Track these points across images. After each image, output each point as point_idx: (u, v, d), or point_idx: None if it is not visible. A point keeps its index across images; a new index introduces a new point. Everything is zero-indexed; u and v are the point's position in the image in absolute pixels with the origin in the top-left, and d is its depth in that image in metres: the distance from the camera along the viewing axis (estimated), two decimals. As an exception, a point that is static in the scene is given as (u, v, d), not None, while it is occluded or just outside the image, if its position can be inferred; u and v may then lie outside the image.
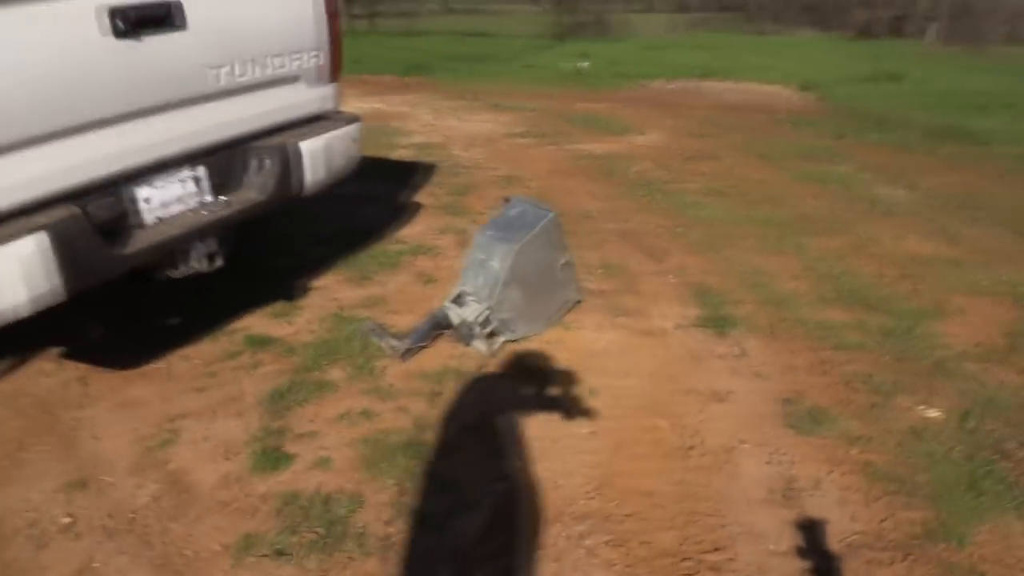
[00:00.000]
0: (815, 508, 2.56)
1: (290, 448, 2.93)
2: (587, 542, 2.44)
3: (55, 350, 3.64)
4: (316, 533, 2.50)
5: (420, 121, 8.19)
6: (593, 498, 2.63)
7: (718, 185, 5.76)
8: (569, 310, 3.79)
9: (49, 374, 3.47)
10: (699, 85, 10.02)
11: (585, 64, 11.40)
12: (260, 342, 3.67)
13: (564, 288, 3.68)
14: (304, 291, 4.16)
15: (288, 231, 5.01)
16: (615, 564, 2.35)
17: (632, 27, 15.21)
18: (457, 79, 10.78)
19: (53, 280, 2.62)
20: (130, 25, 2.77)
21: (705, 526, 2.50)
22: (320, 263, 4.46)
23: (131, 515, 2.61)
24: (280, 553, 2.42)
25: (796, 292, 4.05)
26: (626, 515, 2.56)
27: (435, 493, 2.68)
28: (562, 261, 3.59)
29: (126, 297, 4.14)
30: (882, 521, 2.51)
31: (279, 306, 4.00)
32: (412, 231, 4.98)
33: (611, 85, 10.13)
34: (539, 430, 2.99)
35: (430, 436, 2.97)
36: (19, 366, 3.54)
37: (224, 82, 3.21)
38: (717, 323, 3.71)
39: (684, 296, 3.99)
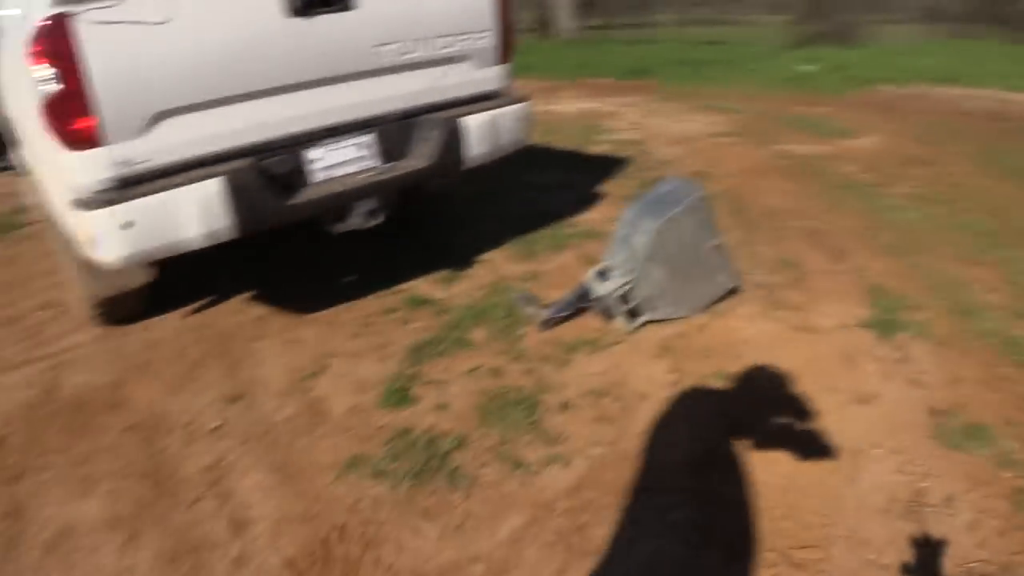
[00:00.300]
0: (939, 527, 2.29)
1: (417, 391, 3.12)
2: (673, 515, 2.37)
3: (245, 294, 4.12)
4: (415, 463, 2.65)
5: (628, 120, 8.21)
6: (692, 474, 2.55)
7: (926, 191, 5.25)
8: (722, 298, 3.65)
9: (235, 312, 3.96)
10: (933, 91, 9.14)
11: (811, 68, 10.79)
12: (418, 302, 3.91)
13: (715, 273, 3.56)
14: (471, 263, 4.35)
15: (472, 212, 5.26)
16: (692, 540, 2.27)
17: (878, 36, 14.15)
18: (677, 83, 10.65)
19: (225, 219, 3.02)
20: (304, 5, 3.11)
21: (803, 522, 2.33)
22: (494, 240, 4.64)
23: (267, 427, 2.95)
24: (378, 474, 2.61)
25: (989, 304, 3.62)
26: (721, 496, 2.45)
27: (536, 447, 2.73)
28: (712, 243, 3.47)
29: (310, 255, 4.62)
30: (1015, 554, 2.20)
31: (445, 274, 4.22)
32: (588, 217, 5.02)
33: (836, 90, 9.52)
34: (655, 405, 2.94)
35: (548, 398, 3.02)
36: (212, 304, 4.07)
37: (392, 59, 3.47)
38: (884, 326, 3.40)
39: (856, 297, 3.70)
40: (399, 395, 3.08)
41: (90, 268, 3.35)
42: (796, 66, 11.05)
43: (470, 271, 4.28)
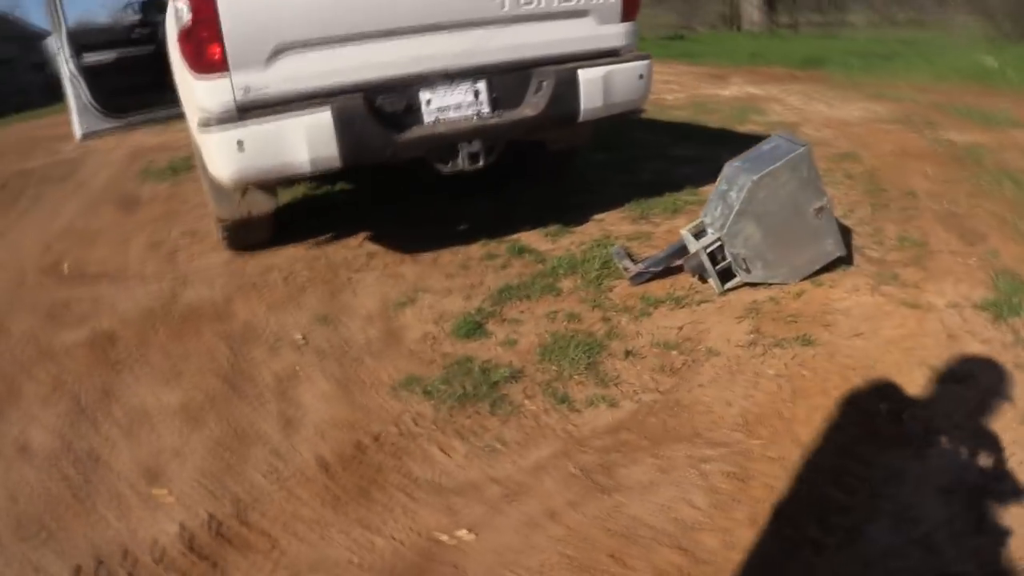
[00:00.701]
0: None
1: (490, 327, 3.18)
2: (706, 466, 2.27)
3: (362, 234, 4.35)
4: (464, 387, 2.70)
5: (787, 105, 7.82)
6: (738, 431, 2.42)
7: (1093, 180, 4.67)
8: (827, 268, 3.41)
9: (348, 248, 4.22)
10: None
11: (992, 61, 9.78)
12: (520, 250, 3.97)
13: (818, 238, 3.33)
14: (583, 221, 4.34)
15: (599, 176, 5.24)
16: (719, 494, 2.16)
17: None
18: (850, 73, 9.98)
19: (331, 148, 3.21)
20: None
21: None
22: (612, 203, 4.59)
23: (344, 346, 3.13)
24: (427, 393, 2.68)
25: None
26: (766, 455, 2.31)
27: (587, 386, 2.70)
28: (816, 205, 3.25)
29: (430, 204, 4.78)
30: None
31: (554, 228, 4.24)
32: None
33: (1018, 83, 8.56)
34: (723, 361, 2.81)
35: (616, 344, 2.97)
36: (330, 240, 4.33)
37: (509, 9, 3.51)
38: (1003, 308, 3.05)
39: (978, 279, 3.35)
40: (472, 327, 3.15)
41: (219, 192, 3.70)
42: (980, 59, 10.07)
43: (580, 228, 4.27)
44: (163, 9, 3.47)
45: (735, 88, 9.38)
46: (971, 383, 2.61)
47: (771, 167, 3.15)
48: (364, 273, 3.85)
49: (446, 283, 3.65)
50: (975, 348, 2.81)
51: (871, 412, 2.47)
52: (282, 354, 3.08)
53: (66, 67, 4.56)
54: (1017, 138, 5.90)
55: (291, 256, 4.13)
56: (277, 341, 3.19)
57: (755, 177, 3.14)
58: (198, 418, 2.67)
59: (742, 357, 2.83)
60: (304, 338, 3.19)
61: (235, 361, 3.05)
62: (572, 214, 4.40)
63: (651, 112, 7.55)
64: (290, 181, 3.99)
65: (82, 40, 4.84)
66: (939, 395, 2.55)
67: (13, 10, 35.53)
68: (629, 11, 3.88)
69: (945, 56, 10.80)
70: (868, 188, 4.61)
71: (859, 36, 16.08)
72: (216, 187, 3.64)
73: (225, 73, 3.03)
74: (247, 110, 3.09)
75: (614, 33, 3.87)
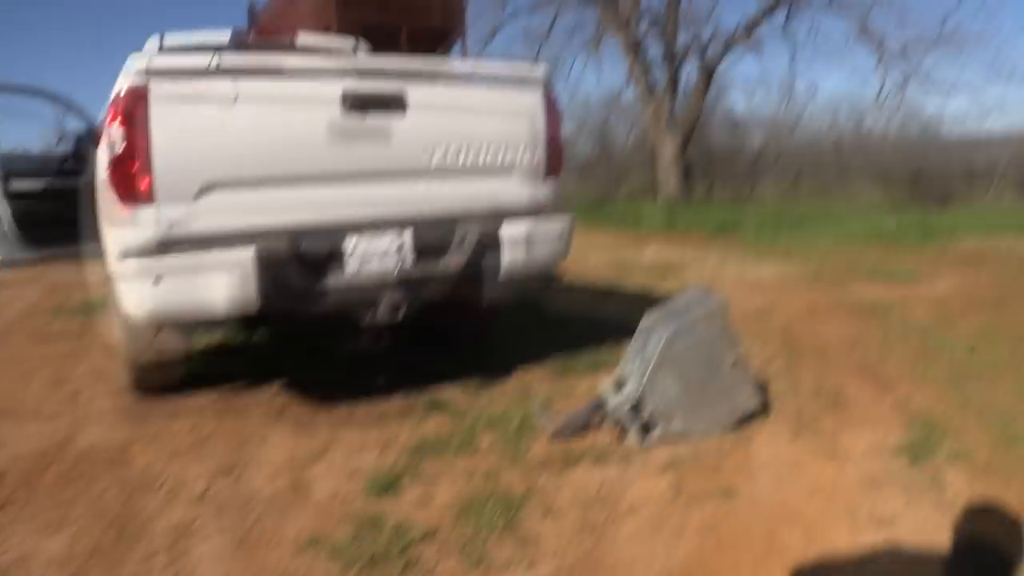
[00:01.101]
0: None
1: (405, 484, 3.03)
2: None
3: (276, 382, 4.25)
4: (375, 548, 2.53)
5: (704, 266, 8.18)
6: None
7: (991, 332, 4.93)
8: (746, 419, 3.43)
9: (259, 397, 4.07)
10: (1018, 244, 8.80)
11: (892, 224, 10.60)
12: (438, 405, 3.88)
13: (735, 391, 3.36)
14: (503, 377, 4.30)
15: (520, 333, 5.27)
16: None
17: (978, 205, 13.87)
18: (762, 237, 10.60)
19: (251, 291, 3.15)
20: (359, 105, 3.34)
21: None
22: (533, 359, 4.59)
23: (247, 500, 2.92)
24: (334, 554, 2.50)
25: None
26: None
27: (505, 547, 2.56)
28: (731, 359, 3.31)
29: (347, 354, 4.70)
30: None
31: (474, 383, 4.18)
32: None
33: (918, 243, 9.30)
34: (644, 518, 2.73)
35: (535, 502, 2.86)
36: (242, 387, 4.20)
37: (437, 164, 3.62)
38: (920, 451, 3.10)
39: (893, 424, 3.41)
40: (386, 484, 2.99)
41: (131, 330, 3.57)
42: (880, 222, 10.89)
43: (500, 384, 4.22)
44: (96, 143, 3.47)
45: (654, 251, 9.77)
46: (893, 526, 2.59)
47: (688, 319, 3.22)
48: (275, 424, 3.68)
49: (360, 437, 3.51)
50: (896, 492, 2.81)
51: (796, 562, 2.40)
52: (179, 506, 2.86)
53: None
54: (919, 292, 6.26)
55: (200, 403, 3.96)
56: (175, 491, 2.97)
57: (672, 330, 3.19)
58: (79, 571, 2.42)
59: (664, 511, 2.75)
60: (205, 490, 2.99)
61: (127, 510, 2.82)
62: (492, 369, 4.37)
63: (573, 272, 7.76)
64: (206, 325, 3.88)
65: (11, 166, 4.79)
66: (861, 540, 2.51)
67: None
68: (553, 170, 4.04)
69: (849, 220, 11.59)
70: (783, 342, 4.74)
71: (769, 204, 17.17)
72: (128, 324, 3.50)
73: (151, 205, 3.00)
74: (169, 245, 3.03)
75: (537, 191, 4.00)
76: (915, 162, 26.59)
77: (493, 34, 23.13)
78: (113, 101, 3.04)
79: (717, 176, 27.95)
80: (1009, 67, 20.09)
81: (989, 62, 19.54)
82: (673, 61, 22.68)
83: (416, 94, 3.50)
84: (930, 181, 21.39)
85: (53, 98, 5.31)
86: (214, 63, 3.05)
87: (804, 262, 8.13)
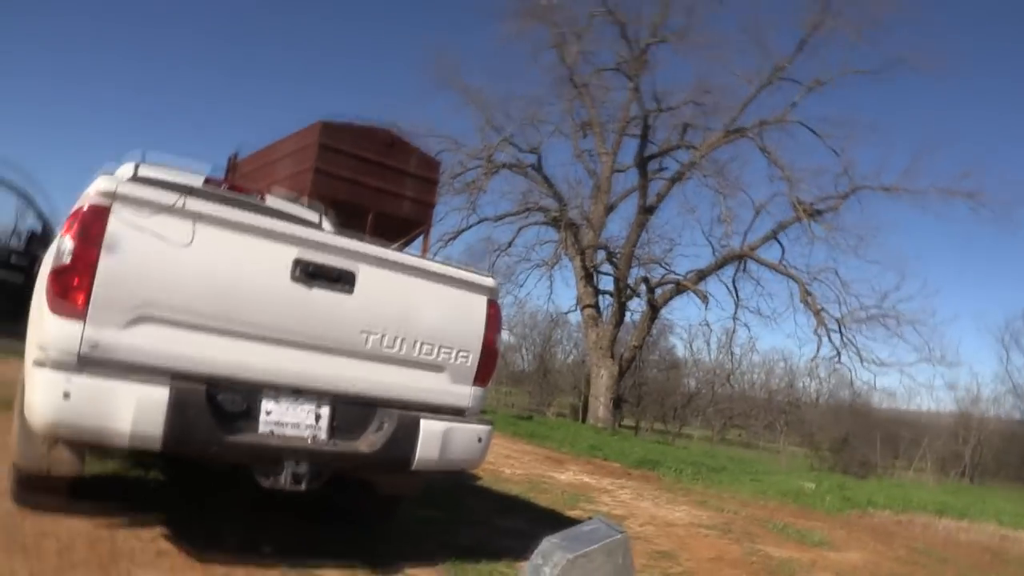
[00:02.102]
0: None
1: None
2: None
3: (161, 525, 4.02)
4: None
5: (617, 498, 8.14)
6: None
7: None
8: (630, 667, 3.32)
9: (140, 535, 3.83)
10: (931, 521, 9.01)
11: (811, 485, 10.80)
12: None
13: (624, 632, 3.28)
14: (392, 571, 4.12)
15: (421, 531, 5.11)
16: None
17: (897, 478, 14.25)
18: (679, 478, 10.68)
19: (157, 428, 3.07)
20: (308, 275, 3.45)
21: None
22: (427, 559, 4.42)
23: None
24: None
25: None
26: None
27: None
28: (625, 596, 3.25)
29: (245, 511, 4.49)
30: None
31: (361, 569, 3.99)
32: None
33: (833, 508, 9.47)
34: None
35: None
36: (125, 521, 3.97)
37: (372, 347, 3.69)
38: None
39: None
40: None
41: (27, 437, 3.40)
42: (800, 483, 11.09)
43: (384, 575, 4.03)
44: (47, 244, 3.47)
45: (571, 475, 9.74)
46: None
47: (587, 548, 3.18)
48: (148, 569, 3.43)
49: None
50: None
51: None
52: None
53: None
54: (829, 557, 6.30)
55: (76, 528, 3.69)
56: None
57: (570, 556, 3.14)
58: None
59: None
60: None
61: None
62: (382, 562, 4.17)
63: (486, 481, 7.67)
64: (103, 451, 3.72)
65: None
66: None
67: None
68: (482, 377, 4.11)
69: (769, 476, 11.80)
70: (681, 590, 4.66)
71: (694, 447, 17.43)
72: (26, 430, 3.33)
73: (80, 320, 2.98)
74: (87, 363, 2.99)
75: (463, 393, 4.05)
76: (842, 428, 27.56)
77: (457, 236, 24.23)
78: (74, 212, 3.09)
79: (647, 411, 28.47)
80: (940, 352, 21.46)
81: (922, 344, 20.90)
82: (622, 294, 23.79)
83: (367, 276, 3.62)
84: (854, 449, 22.12)
85: (18, 192, 5.37)
86: (180, 204, 3.16)
87: (718, 511, 8.17)
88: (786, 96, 22.84)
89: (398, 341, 3.76)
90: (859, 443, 24.31)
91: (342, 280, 3.57)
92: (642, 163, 23.37)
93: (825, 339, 22.22)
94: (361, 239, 3.81)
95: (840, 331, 22.06)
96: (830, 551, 6.69)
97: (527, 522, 5.99)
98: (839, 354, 22.08)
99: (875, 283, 30.50)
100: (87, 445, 3.41)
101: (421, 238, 12.81)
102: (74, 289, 2.98)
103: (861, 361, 21.73)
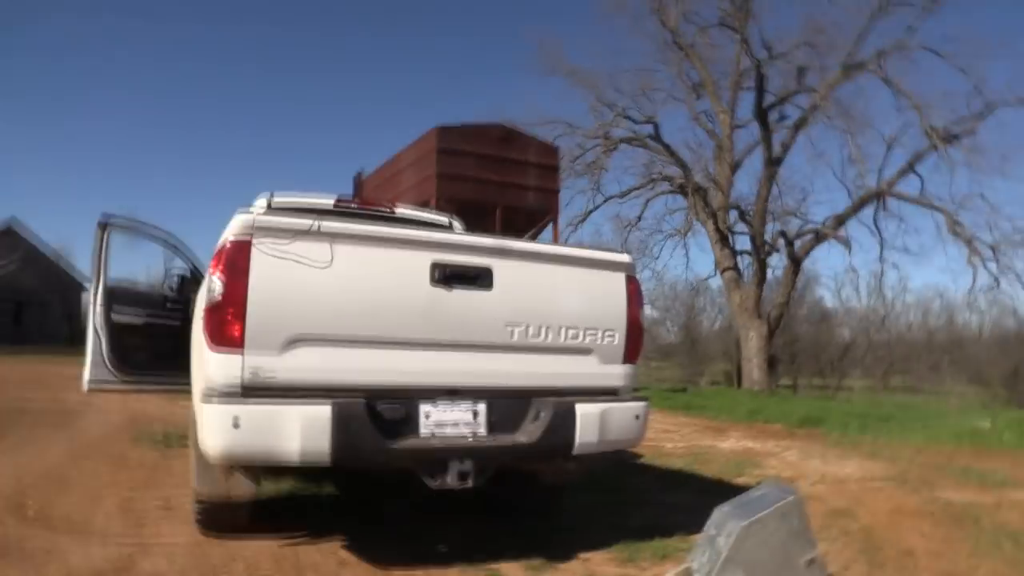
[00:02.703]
0: None
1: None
2: None
3: (341, 536, 4.27)
4: None
5: (785, 460, 7.91)
6: None
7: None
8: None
9: (321, 551, 4.07)
10: None
11: (986, 424, 10.08)
12: (498, 578, 3.78)
13: (810, 594, 3.20)
14: (568, 557, 4.19)
15: (589, 515, 5.16)
16: None
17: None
18: (846, 433, 10.23)
19: (324, 444, 3.25)
20: (447, 278, 3.54)
21: None
22: (600, 542, 4.47)
23: None
24: None
25: None
26: None
27: None
28: (807, 557, 3.16)
29: (413, 516, 4.68)
30: None
31: (537, 562, 4.07)
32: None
33: (1012, 444, 8.82)
34: None
35: None
36: (306, 538, 4.24)
37: (518, 339, 3.76)
38: None
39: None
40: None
41: (204, 467, 3.71)
42: (974, 422, 10.39)
43: (564, 565, 4.09)
44: (198, 287, 3.72)
45: (733, 442, 9.55)
46: None
47: (760, 514, 3.14)
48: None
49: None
50: None
51: None
52: None
53: (93, 318, 4.81)
54: (1014, 497, 5.90)
55: (260, 549, 3.98)
56: None
57: (744, 523, 3.10)
58: None
59: None
60: None
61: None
62: (557, 550, 4.26)
63: (648, 458, 7.64)
64: (276, 471, 3.98)
65: (116, 297, 5.16)
66: None
67: (60, 256, 37.35)
68: (631, 355, 4.10)
69: (940, 419, 11.13)
70: (863, 546, 4.49)
71: (856, 399, 16.66)
72: (202, 462, 3.63)
73: (239, 351, 3.19)
74: (251, 391, 3.20)
75: (615, 373, 4.06)
76: (1011, 360, 25.59)
77: (585, 218, 24.15)
78: (218, 251, 3.30)
79: (803, 368, 27.46)
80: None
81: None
82: (760, 252, 22.99)
83: (503, 271, 3.69)
84: (1026, 378, 20.41)
85: (165, 238, 5.79)
86: (315, 226, 3.32)
87: (891, 461, 7.79)
88: (902, 21, 21.25)
89: (543, 330, 3.81)
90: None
91: (480, 278, 3.65)
92: (762, 115, 22.46)
93: (981, 268, 20.70)
94: (492, 235, 3.88)
95: (996, 258, 20.48)
96: (1014, 490, 6.26)
97: (695, 495, 5.94)
98: (998, 282, 20.56)
99: (1025, 204, 28.01)
100: (261, 468, 3.65)
101: (551, 226, 12.88)
102: (229, 323, 3.19)
103: (1023, 286, 20.26)
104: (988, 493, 6.11)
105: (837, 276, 43.10)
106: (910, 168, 21.93)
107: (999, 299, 21.43)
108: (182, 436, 6.40)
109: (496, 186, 11.70)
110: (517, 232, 11.33)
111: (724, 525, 3.22)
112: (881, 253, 22.97)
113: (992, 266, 20.62)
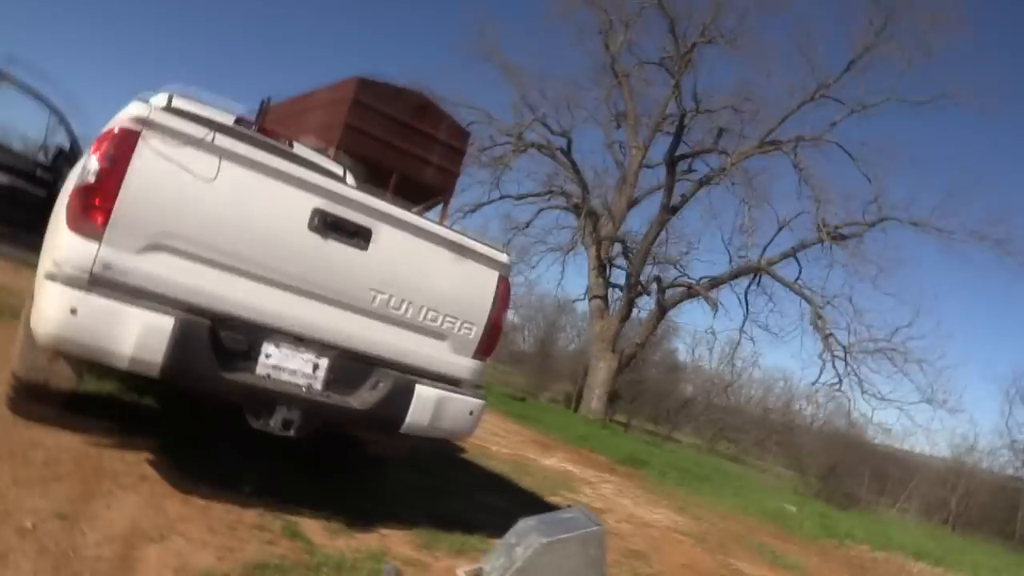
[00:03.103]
0: None
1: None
2: None
3: (150, 441, 4.17)
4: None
5: (599, 492, 8.19)
6: None
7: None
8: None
9: (125, 459, 3.90)
10: (907, 563, 9.04)
11: (792, 508, 10.84)
12: (293, 534, 3.70)
13: (587, 622, 3.30)
14: (368, 529, 4.16)
15: (402, 495, 5.16)
16: None
17: (880, 514, 14.25)
18: (663, 481, 10.72)
19: (157, 356, 3.11)
20: (326, 226, 3.45)
21: None
22: (403, 522, 4.46)
23: (69, 553, 2.76)
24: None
25: None
26: None
27: None
28: (595, 587, 3.27)
29: (235, 441, 4.55)
30: None
31: (336, 525, 4.02)
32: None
33: (810, 534, 9.50)
34: None
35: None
36: (113, 436, 4.10)
37: (379, 306, 3.71)
38: None
39: None
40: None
41: (29, 348, 3.45)
42: (782, 504, 11.12)
43: (361, 534, 4.06)
44: (73, 162, 3.47)
45: (555, 461, 9.79)
46: None
47: (563, 535, 3.22)
48: (128, 491, 3.50)
49: (205, 536, 3.32)
50: None
51: None
52: (1, 533, 2.70)
53: None
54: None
55: (65, 442, 3.78)
56: (3, 517, 2.82)
57: (545, 540, 3.18)
58: None
59: None
60: (33, 527, 2.82)
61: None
62: (359, 518, 4.21)
63: (472, 455, 7.71)
64: (102, 371, 3.77)
65: None
66: None
67: None
68: (483, 351, 4.12)
69: (752, 493, 11.80)
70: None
71: (681, 452, 17.45)
72: (29, 341, 3.39)
73: (96, 241, 3.02)
74: (97, 283, 3.03)
75: (462, 365, 4.07)
76: (832, 456, 27.46)
77: (476, 208, 24.20)
78: (104, 134, 3.11)
79: (640, 410, 28.46)
80: (943, 395, 21.35)
81: (926, 385, 20.80)
82: (632, 290, 23.73)
83: (383, 235, 3.63)
84: (841, 479, 22.03)
85: (51, 107, 5.40)
86: (208, 138, 3.16)
87: (697, 519, 8.20)
88: (827, 115, 22.64)
89: (405, 304, 3.78)
90: (847, 474, 24.27)
91: (359, 235, 3.58)
92: (672, 162, 23.23)
93: (829, 365, 22.11)
94: (383, 198, 3.81)
95: (845, 359, 21.93)
96: (801, 576, 6.72)
97: (506, 501, 6.04)
98: (841, 382, 21.95)
99: (888, 316, 30.30)
100: (87, 363, 3.45)
101: (441, 206, 12.80)
102: (94, 209, 3.01)
103: (862, 392, 21.57)
104: (777, 573, 6.51)
105: (696, 333, 44.85)
106: (793, 253, 23.22)
107: (837, 398, 22.80)
108: (15, 310, 5.95)
109: (398, 152, 11.51)
110: (408, 203, 11.20)
111: (526, 536, 3.28)
112: (743, 324, 24.19)
113: (840, 365, 22.01)
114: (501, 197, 24.88)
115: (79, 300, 2.96)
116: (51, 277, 3.00)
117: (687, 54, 22.84)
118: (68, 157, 5.23)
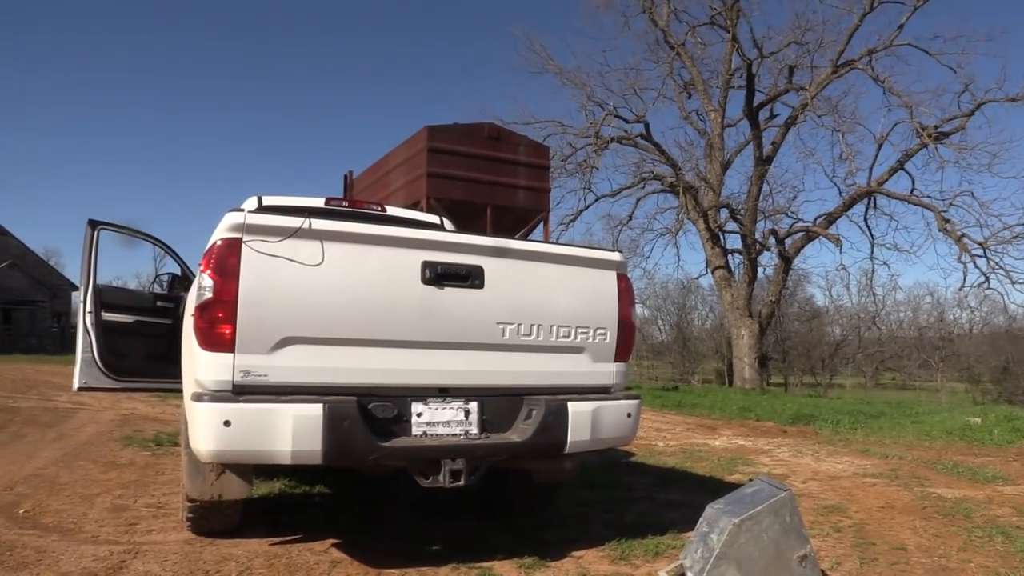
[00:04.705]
0: None
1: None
2: None
3: (332, 537, 4.26)
4: None
5: (776, 457, 7.92)
6: None
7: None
8: (815, 623, 3.24)
9: (313, 551, 4.06)
10: None
11: (977, 420, 10.14)
12: (484, 577, 3.78)
13: (802, 589, 3.20)
14: (561, 555, 4.18)
15: (581, 512, 5.15)
16: None
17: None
18: (837, 430, 10.28)
19: (316, 443, 3.24)
20: (438, 276, 3.54)
21: None
22: (593, 539, 4.48)
23: None
24: None
25: None
26: None
27: None
28: (799, 553, 3.17)
29: (407, 515, 4.67)
30: None
31: (530, 560, 4.06)
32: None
33: (1002, 440, 8.89)
34: None
35: None
36: (298, 538, 4.21)
37: (510, 338, 3.76)
38: None
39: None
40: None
41: (195, 468, 3.69)
42: (965, 418, 10.46)
43: (556, 563, 4.09)
44: (188, 287, 3.69)
45: (725, 439, 9.57)
46: None
47: (753, 510, 3.14)
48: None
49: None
50: None
51: None
52: None
53: (83, 319, 4.81)
54: (1004, 493, 5.94)
55: (252, 550, 3.97)
56: None
57: (736, 520, 3.11)
58: None
59: None
60: None
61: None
62: (550, 548, 4.26)
63: (640, 456, 7.65)
64: (268, 471, 3.97)
65: (106, 298, 5.15)
66: None
67: (51, 258, 37.64)
68: (622, 353, 4.10)
69: (931, 416, 11.18)
70: (856, 542, 4.51)
71: (847, 396, 16.74)
72: (193, 462, 3.63)
73: (230, 352, 3.19)
74: (242, 391, 3.19)
75: (606, 371, 4.07)
76: (1001, 356, 25.69)
77: (576, 217, 24.14)
78: (208, 250, 3.28)
79: (794, 366, 27.55)
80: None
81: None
82: (751, 250, 23.03)
83: (494, 269, 3.68)
84: (1016, 376, 20.56)
85: (155, 241, 5.77)
86: (306, 224, 3.30)
87: (882, 458, 7.83)
88: (891, 19, 21.41)
89: (535, 328, 3.81)
90: (1021, 369, 22.64)
91: (471, 276, 3.64)
92: (752, 113, 22.52)
93: (971, 266, 20.79)
94: (483, 234, 3.87)
95: (985, 255, 20.57)
96: (1006, 485, 6.30)
97: (687, 492, 5.95)
98: (987, 279, 20.66)
99: (1016, 199, 28.24)
100: (252, 468, 3.63)
101: (541, 225, 12.87)
102: (219, 322, 3.18)
103: (1012, 283, 20.29)
104: (979, 489, 6.15)
105: (828, 274, 43.42)
106: (900, 166, 22.04)
107: (989, 296, 21.53)
108: (173, 436, 6.38)
109: (486, 185, 11.68)
110: (508, 231, 11.33)
111: (717, 522, 3.22)
112: (872, 251, 23.07)
113: (982, 263, 20.72)
114: (597, 199, 24.71)
115: (230, 412, 3.12)
116: (198, 398, 3.17)
117: (735, 4, 22.17)
118: (182, 280, 5.56)
